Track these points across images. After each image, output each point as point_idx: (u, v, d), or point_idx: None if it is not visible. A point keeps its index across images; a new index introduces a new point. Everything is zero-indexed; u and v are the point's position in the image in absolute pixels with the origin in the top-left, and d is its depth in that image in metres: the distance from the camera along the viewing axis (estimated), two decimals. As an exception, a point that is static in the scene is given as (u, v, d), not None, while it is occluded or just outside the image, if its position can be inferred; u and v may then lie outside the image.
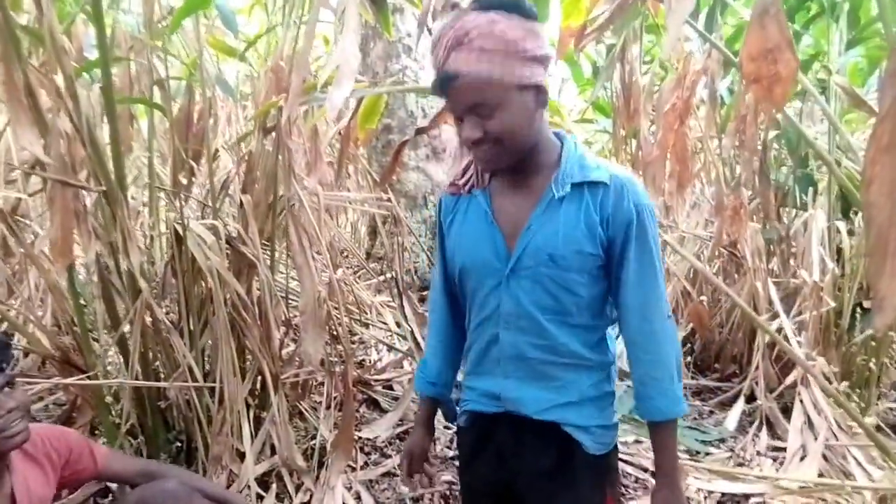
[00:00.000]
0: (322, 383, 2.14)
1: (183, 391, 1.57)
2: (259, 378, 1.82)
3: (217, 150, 1.84)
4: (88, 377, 1.41)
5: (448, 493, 1.83)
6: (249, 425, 1.69)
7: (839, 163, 2.52)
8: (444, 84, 0.80)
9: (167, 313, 1.61)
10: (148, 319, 1.52)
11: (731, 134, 1.50)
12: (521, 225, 0.88)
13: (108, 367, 1.80)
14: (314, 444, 1.86)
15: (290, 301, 1.98)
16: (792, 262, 2.78)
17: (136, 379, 1.51)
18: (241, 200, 1.57)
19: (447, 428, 2.18)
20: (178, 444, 1.71)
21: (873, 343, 2.49)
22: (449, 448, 2.08)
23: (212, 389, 1.61)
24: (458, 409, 1.07)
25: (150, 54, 1.60)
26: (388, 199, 2.13)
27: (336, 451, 1.77)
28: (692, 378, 2.95)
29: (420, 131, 1.96)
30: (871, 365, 2.46)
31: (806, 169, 2.71)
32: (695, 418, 2.57)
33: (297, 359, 1.94)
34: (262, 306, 1.66)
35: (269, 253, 1.75)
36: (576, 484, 0.93)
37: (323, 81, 1.36)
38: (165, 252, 1.59)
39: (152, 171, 1.52)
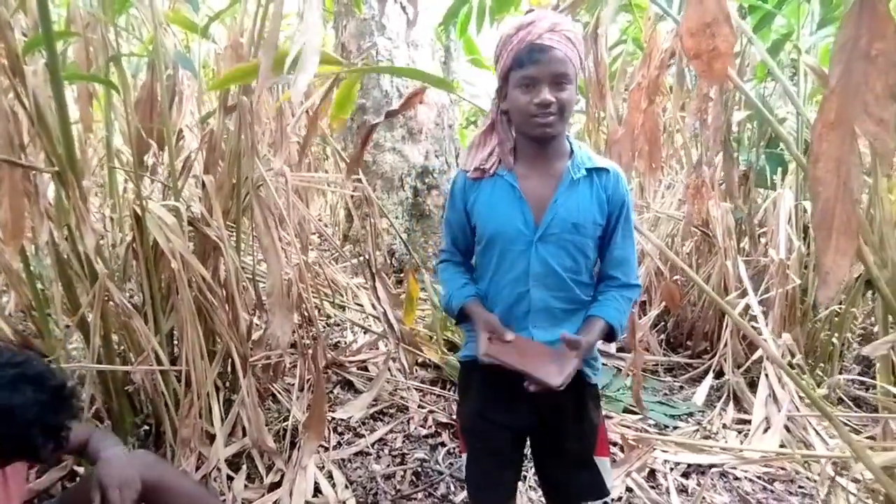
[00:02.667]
0: (295, 365, 2.14)
1: (149, 375, 1.55)
2: (229, 361, 1.81)
3: (181, 130, 1.80)
4: (49, 362, 1.39)
5: (420, 469, 1.86)
6: (219, 408, 1.69)
7: (806, 144, 2.55)
8: (538, 53, 0.98)
9: (130, 297, 1.58)
10: (111, 303, 1.49)
11: (693, 112, 1.50)
12: (546, 200, 1.07)
13: (73, 353, 1.78)
14: (287, 426, 1.87)
15: (259, 283, 1.96)
16: (762, 240, 2.84)
17: (100, 363, 1.49)
18: (203, 180, 1.54)
19: (421, 407, 2.21)
20: (146, 428, 1.70)
21: (836, 319, 2.56)
22: (422, 426, 2.10)
23: (179, 373, 1.60)
24: (465, 350, 1.20)
25: (105, 30, 1.55)
26: (359, 180, 2.11)
27: (308, 432, 1.77)
28: (664, 355, 3.01)
29: (391, 114, 1.94)
30: (834, 340, 2.54)
31: (776, 149, 2.75)
32: (665, 394, 2.63)
33: (267, 341, 1.94)
34: (228, 288, 1.64)
35: (234, 235, 1.73)
36: (587, 411, 1.14)
37: (290, 62, 1.32)
38: (126, 234, 1.56)
39: (110, 151, 1.47)
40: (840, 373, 2.43)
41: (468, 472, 1.19)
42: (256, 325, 2.07)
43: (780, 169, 2.74)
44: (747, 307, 2.48)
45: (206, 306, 1.62)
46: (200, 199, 1.71)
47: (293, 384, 2.06)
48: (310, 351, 2.04)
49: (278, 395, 2.07)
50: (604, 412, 2.31)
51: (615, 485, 1.81)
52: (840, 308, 2.53)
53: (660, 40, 1.69)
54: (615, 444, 2.07)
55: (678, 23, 1.37)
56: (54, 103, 1.20)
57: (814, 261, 2.56)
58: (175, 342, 1.74)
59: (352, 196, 2.47)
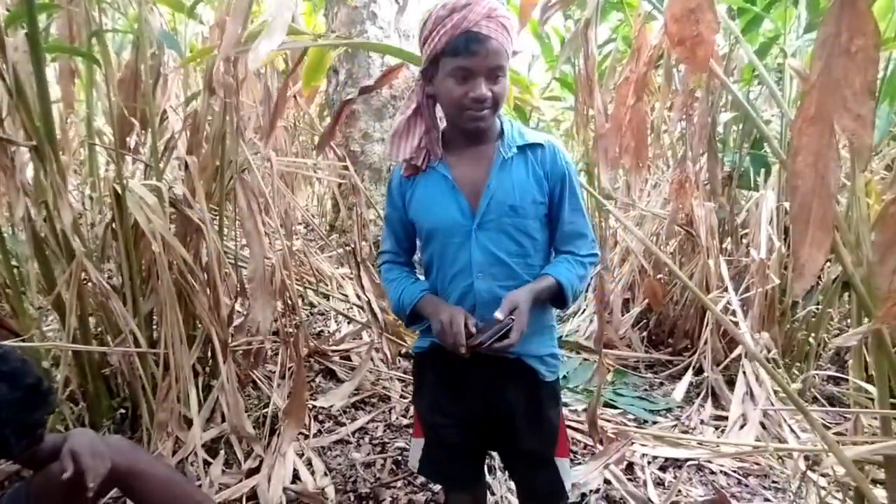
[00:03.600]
0: (277, 353, 2.12)
1: (127, 357, 1.53)
2: (209, 346, 1.79)
3: (165, 111, 1.77)
4: (23, 341, 1.36)
5: (400, 458, 1.86)
6: (197, 392, 1.67)
7: (788, 145, 2.58)
8: (474, 43, 0.93)
9: (109, 277, 1.56)
10: (88, 283, 1.47)
11: (678, 108, 1.52)
12: (480, 185, 1.02)
13: (49, 333, 1.74)
14: (266, 413, 1.86)
15: (241, 268, 1.94)
16: (744, 241, 2.88)
17: (76, 345, 1.46)
18: (186, 162, 1.52)
19: (403, 397, 2.21)
20: (123, 411, 1.68)
21: (813, 320, 2.61)
22: (403, 416, 2.11)
23: (157, 356, 1.58)
24: (417, 342, 1.15)
25: (89, 4, 1.52)
26: (346, 168, 2.10)
27: (288, 419, 1.76)
28: (646, 352, 3.04)
29: (364, 90, 1.92)
30: (811, 340, 2.58)
31: (760, 151, 2.78)
32: (645, 389, 2.66)
33: (248, 327, 1.92)
34: (210, 272, 1.62)
35: (217, 218, 1.71)
36: (543, 410, 1.10)
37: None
38: (105, 214, 1.53)
39: (90, 128, 1.44)
40: (816, 371, 2.48)
41: (427, 456, 1.16)
42: (238, 311, 2.06)
43: (763, 170, 2.78)
44: (727, 306, 2.52)
45: (186, 289, 1.60)
46: (183, 180, 1.69)
47: (274, 372, 2.05)
48: (292, 338, 2.03)
49: (259, 382, 2.06)
50: (583, 406, 2.35)
51: (592, 478, 1.83)
52: (817, 309, 2.58)
53: (649, 37, 1.71)
54: (582, 433, 2.08)
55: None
56: (34, 77, 1.17)
57: (792, 260, 2.60)
58: (154, 325, 1.72)
59: (339, 185, 2.45)
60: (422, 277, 1.16)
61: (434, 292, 1.08)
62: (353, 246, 2.29)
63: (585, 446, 2.10)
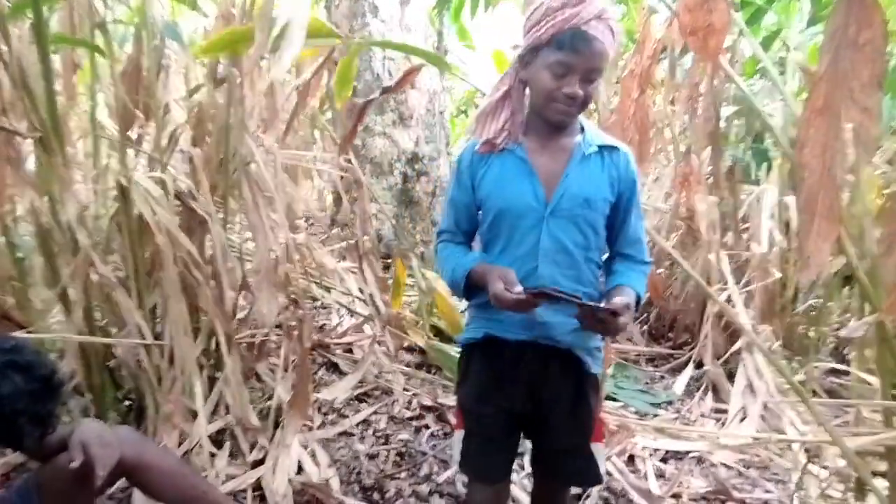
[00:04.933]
0: (280, 346, 2.13)
1: (132, 350, 1.54)
2: (213, 339, 1.79)
3: (167, 104, 1.76)
4: (29, 333, 1.36)
5: (404, 450, 1.87)
6: (202, 384, 1.67)
7: (791, 140, 2.59)
8: (580, 41, 0.94)
9: (114, 270, 1.56)
10: (93, 276, 1.47)
11: (683, 102, 1.52)
12: (557, 175, 1.05)
13: (55, 325, 1.75)
14: (271, 405, 1.86)
15: (246, 261, 1.94)
16: (744, 235, 2.89)
17: (80, 335, 1.47)
18: (191, 155, 1.52)
19: (406, 390, 2.22)
20: (128, 403, 1.69)
21: (813, 313, 2.62)
22: (407, 409, 2.12)
23: (162, 348, 1.58)
24: (465, 333, 1.16)
25: (92, -4, 1.51)
26: (349, 161, 2.10)
27: (292, 411, 1.77)
28: (646, 346, 3.05)
29: (386, 91, 1.93)
30: (811, 334, 2.60)
31: (761, 145, 2.79)
32: (647, 383, 2.67)
33: (252, 320, 1.92)
34: (214, 265, 1.62)
35: (222, 210, 1.71)
36: (587, 402, 1.12)
37: (275, 35, 1.30)
38: (110, 206, 1.54)
39: (94, 119, 1.44)
40: (816, 365, 2.49)
41: (464, 448, 1.17)
42: (242, 304, 2.06)
43: (764, 165, 2.78)
44: (728, 299, 2.53)
45: (191, 282, 1.60)
46: (187, 173, 1.69)
47: (278, 364, 2.05)
48: (295, 331, 2.03)
49: (262, 374, 2.06)
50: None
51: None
52: (817, 302, 2.59)
53: (653, 31, 1.71)
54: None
55: (672, 10, 1.38)
56: (40, 67, 1.17)
57: (794, 255, 2.62)
58: (158, 318, 1.72)
59: (341, 178, 2.45)
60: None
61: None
62: (356, 240, 2.30)
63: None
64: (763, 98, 2.95)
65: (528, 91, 1.07)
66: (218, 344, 1.75)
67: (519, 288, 0.96)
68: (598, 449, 1.16)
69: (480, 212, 1.13)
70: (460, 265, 1.10)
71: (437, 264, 1.23)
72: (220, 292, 1.65)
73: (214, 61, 1.45)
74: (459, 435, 1.17)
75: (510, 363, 1.10)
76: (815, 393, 2.48)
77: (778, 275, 2.51)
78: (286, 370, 2.02)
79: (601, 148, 1.07)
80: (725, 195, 2.59)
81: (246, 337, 1.86)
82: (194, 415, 1.65)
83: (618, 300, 0.99)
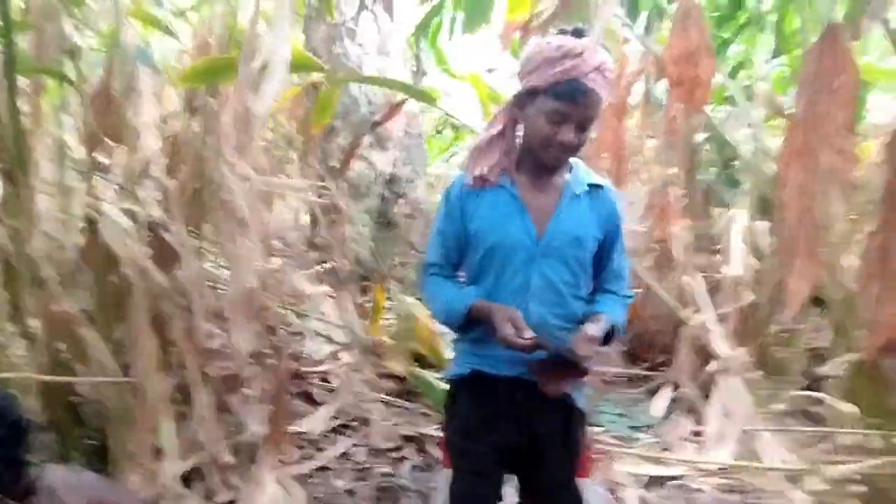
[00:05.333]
0: (255, 376, 2.06)
1: (97, 386, 1.46)
2: (184, 372, 1.72)
3: (137, 130, 1.71)
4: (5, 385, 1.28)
5: (384, 484, 1.82)
6: (172, 421, 1.60)
7: (759, 166, 2.68)
8: (579, 93, 0.97)
9: (79, 303, 1.49)
10: (57, 310, 1.40)
11: (662, 133, 1.55)
12: (548, 213, 1.06)
13: (17, 361, 1.65)
14: (244, 440, 1.79)
15: (219, 291, 1.88)
16: (718, 257, 2.95)
17: (45, 373, 1.39)
18: (164, 185, 1.47)
19: (385, 420, 2.16)
20: (93, 442, 1.60)
21: (785, 335, 2.68)
22: (387, 440, 2.06)
23: (131, 384, 1.51)
24: (452, 369, 1.16)
25: (63, 21, 1.46)
26: (327, 188, 2.07)
27: (267, 446, 1.71)
28: (625, 367, 3.07)
29: (375, 125, 1.94)
30: (784, 356, 2.65)
31: (730, 170, 2.87)
32: (625, 406, 2.68)
33: (226, 350, 1.86)
34: (187, 297, 1.56)
35: (196, 241, 1.66)
36: (576, 438, 1.12)
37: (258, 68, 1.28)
38: (77, 238, 1.47)
39: (61, 149, 1.38)
40: (806, 388, 2.53)
41: (452, 488, 1.15)
42: (215, 334, 1.99)
43: (734, 189, 2.86)
44: (702, 322, 2.57)
45: (161, 315, 1.54)
46: (159, 202, 1.63)
47: (252, 396, 1.98)
48: (271, 361, 1.97)
49: (235, 407, 1.99)
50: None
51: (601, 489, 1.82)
52: (789, 324, 2.65)
53: (628, 63, 1.75)
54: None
55: (647, 48, 1.42)
56: (6, 97, 1.11)
57: (765, 278, 2.68)
58: (125, 352, 1.64)
59: (321, 204, 2.42)
60: None
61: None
62: (333, 264, 2.26)
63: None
64: (731, 124, 3.06)
65: (520, 128, 1.08)
66: (188, 378, 1.69)
67: (530, 333, 0.97)
68: (584, 484, 1.16)
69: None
70: (460, 298, 1.08)
71: (425, 296, 1.19)
72: (193, 324, 1.59)
73: (191, 89, 1.42)
74: (447, 474, 1.15)
75: (499, 399, 1.09)
76: (788, 414, 2.53)
77: (751, 297, 2.57)
78: (261, 402, 1.95)
79: (591, 187, 1.09)
80: (704, 221, 2.64)
81: (219, 370, 1.79)
82: (163, 454, 1.57)
83: (587, 328, 1.01)
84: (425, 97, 1.55)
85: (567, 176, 1.09)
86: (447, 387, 1.21)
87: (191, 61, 1.51)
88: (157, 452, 1.57)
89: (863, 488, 1.25)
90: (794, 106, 0.82)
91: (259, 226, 1.80)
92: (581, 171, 1.11)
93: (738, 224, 2.62)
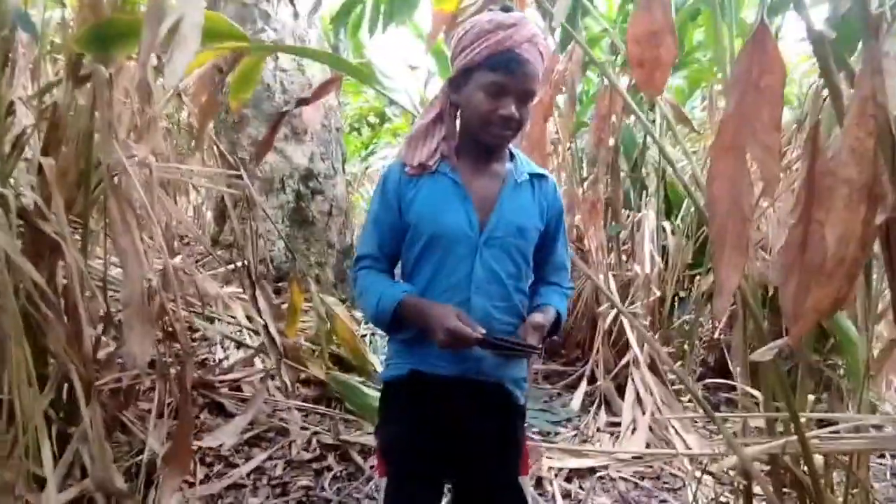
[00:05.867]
0: (152, 388, 1.83)
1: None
2: (66, 386, 1.48)
3: (12, 103, 1.45)
4: None
5: (305, 499, 1.69)
6: (52, 444, 1.36)
7: (663, 171, 2.88)
8: (514, 63, 0.94)
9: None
10: None
11: (592, 132, 1.59)
12: (490, 202, 1.02)
13: None
14: (141, 461, 1.58)
15: (110, 292, 1.65)
16: (624, 257, 3.13)
17: None
18: (40, 165, 1.24)
19: (304, 429, 2.02)
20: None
21: (687, 328, 2.90)
22: (306, 450, 1.93)
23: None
24: (388, 370, 1.10)
25: None
26: (240, 177, 1.89)
27: (169, 466, 1.51)
28: (543, 364, 3.15)
29: (302, 102, 1.82)
30: (685, 346, 2.86)
31: (638, 174, 3.05)
32: (545, 401, 2.74)
33: (118, 361, 1.63)
34: (69, 298, 1.34)
35: (81, 232, 1.43)
36: (515, 435, 1.10)
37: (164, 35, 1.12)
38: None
39: None
40: (699, 377, 2.73)
41: (388, 497, 1.08)
42: (104, 341, 1.74)
43: (643, 192, 3.05)
44: (617, 316, 2.71)
45: (37, 319, 1.31)
46: (34, 186, 1.39)
47: (149, 410, 1.76)
48: (172, 370, 1.76)
49: (129, 424, 1.75)
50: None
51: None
52: (690, 317, 2.87)
53: (555, 63, 1.77)
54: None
55: (579, 42, 1.44)
56: None
57: (670, 276, 2.88)
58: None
59: (230, 197, 2.21)
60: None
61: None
62: (246, 263, 2.08)
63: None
64: (639, 132, 3.25)
65: (459, 114, 1.05)
66: (72, 392, 1.45)
67: (481, 329, 0.94)
68: (524, 482, 1.13)
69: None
70: (388, 295, 1.01)
71: (355, 292, 1.11)
72: (77, 331, 1.37)
73: (75, 56, 1.21)
74: (384, 483, 1.08)
75: (437, 400, 1.04)
76: (689, 401, 2.73)
77: (658, 293, 2.74)
78: (160, 416, 1.73)
79: (531, 176, 1.07)
80: (622, 219, 2.78)
81: (110, 381, 1.57)
82: (42, 482, 1.33)
83: (534, 317, 1.02)
84: (361, 74, 1.46)
85: (509, 164, 1.07)
86: (376, 392, 1.15)
87: (79, 24, 1.30)
88: (35, 482, 1.33)
89: (767, 467, 1.34)
90: (726, 104, 0.83)
91: (159, 218, 1.61)
92: (523, 160, 1.09)
93: (647, 225, 2.78)
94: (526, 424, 2.36)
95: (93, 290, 1.45)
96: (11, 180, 1.30)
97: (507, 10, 0.99)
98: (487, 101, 0.97)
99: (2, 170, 1.23)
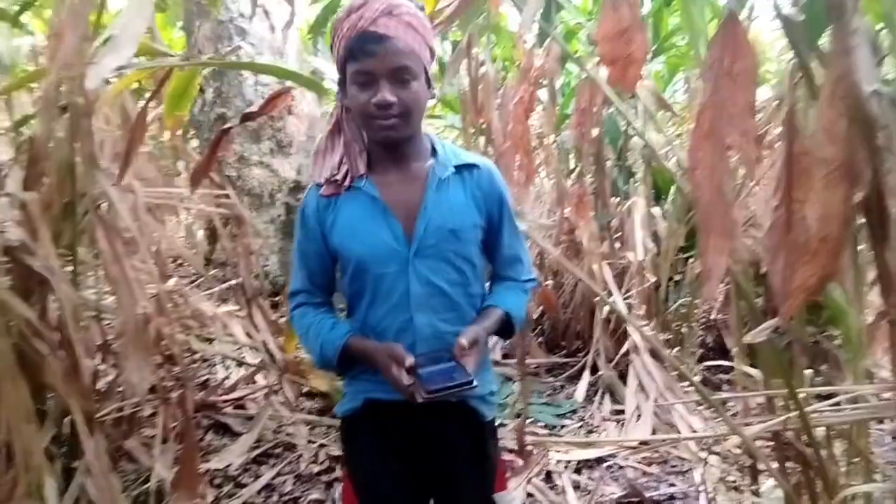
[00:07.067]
0: (154, 414, 1.83)
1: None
2: (67, 420, 1.47)
3: (-14, 139, 1.44)
4: None
5: (315, 512, 1.69)
6: (55, 481, 1.36)
7: (650, 158, 2.89)
8: (371, 43, 0.85)
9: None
10: None
11: (574, 126, 1.60)
12: (414, 207, 0.93)
13: None
14: (148, 488, 1.57)
15: (105, 321, 1.64)
16: (617, 244, 3.14)
17: None
18: (21, 201, 1.24)
19: (311, 442, 2.02)
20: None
21: (683, 311, 2.91)
22: (314, 463, 1.93)
23: (-5, 444, 1.25)
24: (344, 404, 1.04)
25: None
26: (228, 196, 1.89)
27: (178, 491, 1.51)
28: (545, 357, 3.16)
29: (247, 117, 1.79)
30: (683, 329, 2.88)
31: (624, 162, 3.07)
32: (549, 394, 2.75)
33: (118, 389, 1.63)
34: (63, 331, 1.34)
35: (70, 264, 1.43)
36: (487, 453, 1.04)
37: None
38: None
39: None
40: (700, 358, 2.75)
41: None
42: (103, 370, 1.73)
43: (630, 179, 3.06)
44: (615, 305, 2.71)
45: (31, 356, 1.30)
46: (18, 222, 1.38)
47: (153, 436, 1.75)
48: (173, 395, 1.75)
49: (134, 452, 1.75)
50: (498, 420, 2.37)
51: (516, 495, 1.82)
52: (686, 300, 2.88)
53: (534, 60, 1.78)
54: (511, 451, 2.10)
55: (556, 38, 1.45)
56: None
57: (663, 261, 2.90)
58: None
59: (220, 215, 2.21)
60: (342, 316, 1.04)
61: (361, 331, 0.97)
62: (239, 281, 2.07)
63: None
64: (622, 120, 3.27)
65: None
66: (74, 426, 1.44)
67: (410, 359, 0.87)
68: (503, 499, 1.10)
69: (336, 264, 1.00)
70: (328, 342, 0.96)
71: (297, 335, 1.05)
72: (74, 363, 1.36)
73: (53, 87, 1.21)
74: None
75: (399, 425, 0.98)
76: (690, 384, 2.75)
77: (653, 279, 2.75)
78: (164, 441, 1.73)
79: (458, 168, 0.97)
80: (610, 209, 2.79)
81: (112, 411, 1.56)
82: (46, 520, 1.33)
83: (461, 337, 0.91)
84: (316, 86, 1.45)
85: (430, 161, 0.96)
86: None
87: (49, 53, 1.29)
88: (39, 520, 1.32)
89: (771, 443, 1.35)
90: (703, 91, 0.84)
91: (148, 243, 1.60)
92: (446, 153, 0.98)
93: (637, 212, 2.80)
94: (531, 419, 2.38)
95: (87, 322, 1.44)
96: (-5, 218, 1.29)
97: None
98: (360, 93, 0.87)
99: (-16, 208, 1.22)
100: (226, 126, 1.46)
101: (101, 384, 1.68)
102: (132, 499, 1.54)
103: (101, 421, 1.48)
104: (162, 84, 1.28)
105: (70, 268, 1.43)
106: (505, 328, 1.01)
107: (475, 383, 0.86)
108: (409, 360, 0.87)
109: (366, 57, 0.85)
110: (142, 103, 1.43)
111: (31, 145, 1.27)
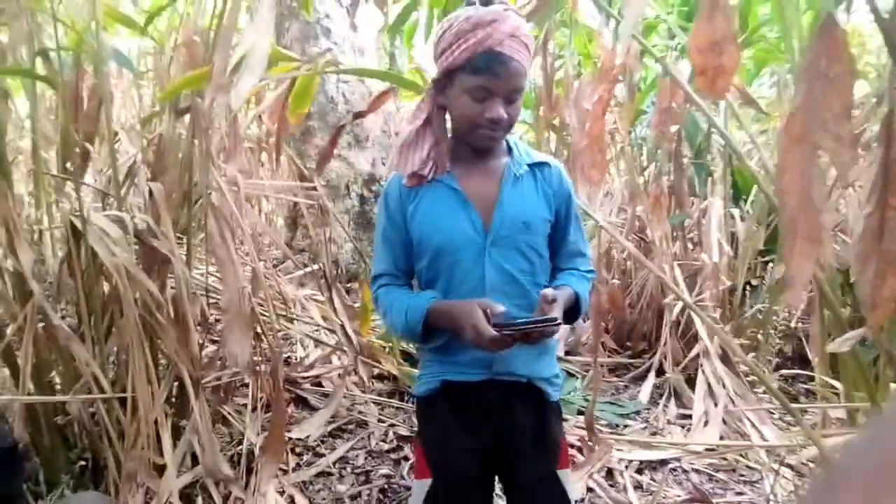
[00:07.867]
0: (246, 385, 2.01)
1: (87, 404, 1.40)
2: (176, 384, 1.67)
3: (116, 133, 1.64)
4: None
5: (386, 486, 1.80)
6: (169, 436, 1.55)
7: (730, 156, 2.79)
8: (497, 63, 0.91)
9: (63, 317, 1.42)
10: (41, 327, 1.33)
11: (654, 126, 1.60)
12: (491, 200, 1.00)
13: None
14: (241, 450, 1.75)
15: (209, 298, 1.83)
16: (690, 245, 3.05)
17: (29, 394, 1.32)
18: (149, 190, 1.41)
19: (381, 421, 2.15)
20: (83, 463, 1.53)
21: (760, 317, 2.80)
22: (384, 441, 2.05)
23: (122, 400, 1.45)
24: (421, 385, 1.10)
25: (31, 20, 1.39)
26: (314, 188, 2.04)
27: (266, 455, 1.67)
28: (608, 356, 3.14)
29: (358, 115, 1.91)
30: (759, 336, 2.77)
31: (702, 160, 2.97)
32: (612, 394, 2.74)
33: (218, 360, 1.81)
34: (178, 305, 1.51)
35: (184, 247, 1.61)
36: (551, 433, 1.08)
37: (234, 63, 1.24)
38: (59, 248, 1.40)
39: (37, 155, 1.31)
40: (775, 367, 2.65)
41: (432, 499, 1.07)
42: (205, 343, 1.93)
43: (708, 179, 2.96)
44: (684, 307, 2.66)
45: (152, 325, 1.49)
46: (141, 208, 1.57)
47: (245, 405, 1.94)
48: (263, 367, 1.93)
49: (229, 417, 1.94)
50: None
51: (577, 487, 1.85)
52: (764, 307, 2.76)
53: (614, 58, 1.78)
54: (573, 447, 2.13)
55: (638, 38, 1.45)
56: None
57: (740, 264, 2.79)
58: (113, 366, 1.58)
59: (299, 205, 2.37)
60: None
61: None
62: (321, 267, 2.22)
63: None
64: (702, 116, 3.15)
65: (448, 116, 1.02)
66: (181, 390, 1.63)
67: (501, 307, 0.91)
68: (565, 475, 1.12)
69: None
70: (414, 307, 1.00)
71: (380, 311, 1.09)
72: (186, 334, 1.54)
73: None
74: (421, 485, 1.08)
75: (472, 405, 1.05)
76: (764, 392, 2.64)
77: (728, 283, 2.66)
78: (254, 410, 1.91)
79: (531, 166, 1.04)
80: (687, 209, 2.73)
81: (212, 379, 1.74)
82: (160, 469, 1.52)
83: (545, 291, 0.95)
84: (411, 85, 1.54)
85: (506, 158, 1.03)
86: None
87: (175, 61, 1.46)
88: (154, 469, 1.52)
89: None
90: (794, 95, 0.84)
91: (248, 229, 1.76)
92: (521, 151, 1.05)
93: (714, 212, 2.71)
94: (592, 415, 2.38)
95: (197, 298, 1.62)
96: (125, 204, 1.48)
97: (487, 2, 0.94)
98: (473, 105, 0.93)
99: (119, 196, 1.41)
100: (341, 124, 1.60)
101: (204, 354, 1.87)
102: (227, 458, 1.71)
103: (205, 387, 1.66)
104: (292, 86, 1.43)
105: (184, 250, 1.61)
106: (572, 308, 1.05)
107: (559, 319, 0.92)
108: (500, 308, 0.92)
109: (490, 76, 0.91)
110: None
111: (158, 142, 1.45)
